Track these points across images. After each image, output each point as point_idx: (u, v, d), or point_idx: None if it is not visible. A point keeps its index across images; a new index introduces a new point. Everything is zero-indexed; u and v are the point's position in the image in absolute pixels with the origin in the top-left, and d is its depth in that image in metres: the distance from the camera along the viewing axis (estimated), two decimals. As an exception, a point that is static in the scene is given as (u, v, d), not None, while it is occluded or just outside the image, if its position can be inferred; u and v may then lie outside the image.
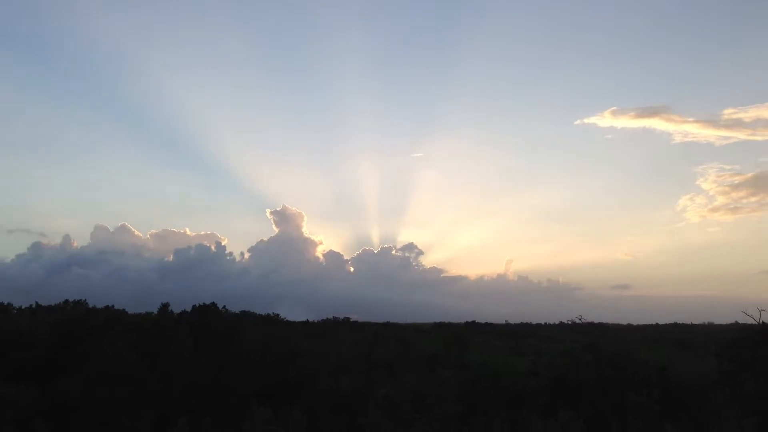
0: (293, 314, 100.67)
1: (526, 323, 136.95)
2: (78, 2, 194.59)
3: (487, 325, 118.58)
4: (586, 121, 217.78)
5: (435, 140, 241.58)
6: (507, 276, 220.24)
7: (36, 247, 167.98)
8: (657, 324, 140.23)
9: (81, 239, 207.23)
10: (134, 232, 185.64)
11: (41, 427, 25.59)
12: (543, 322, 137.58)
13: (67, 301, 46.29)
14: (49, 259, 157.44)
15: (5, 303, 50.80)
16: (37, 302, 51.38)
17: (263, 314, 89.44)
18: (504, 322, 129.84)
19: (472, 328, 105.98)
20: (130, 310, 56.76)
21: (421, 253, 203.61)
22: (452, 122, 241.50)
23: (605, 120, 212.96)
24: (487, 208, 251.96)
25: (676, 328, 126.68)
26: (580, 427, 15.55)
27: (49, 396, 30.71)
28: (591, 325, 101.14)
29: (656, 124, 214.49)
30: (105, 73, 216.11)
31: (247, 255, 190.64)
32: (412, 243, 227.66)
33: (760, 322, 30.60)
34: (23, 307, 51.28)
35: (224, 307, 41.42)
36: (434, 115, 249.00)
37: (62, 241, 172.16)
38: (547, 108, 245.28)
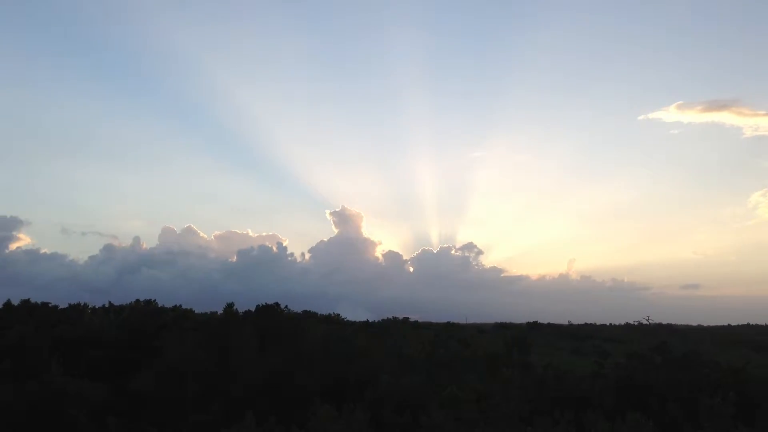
0: (353, 314, 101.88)
1: (590, 324, 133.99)
2: (150, 18, 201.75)
3: (550, 325, 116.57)
4: (650, 116, 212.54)
5: (494, 138, 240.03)
6: (569, 275, 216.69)
7: (108, 248, 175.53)
8: (729, 325, 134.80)
9: (150, 241, 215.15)
10: (199, 233, 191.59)
11: (114, 422, 26.63)
12: (608, 323, 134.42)
13: (138, 300, 48.03)
14: (121, 260, 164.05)
15: (81, 303, 53.04)
16: (110, 302, 53.51)
17: (324, 314, 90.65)
18: (567, 322, 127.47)
19: (534, 328, 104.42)
20: (197, 309, 58.54)
21: (480, 252, 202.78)
22: (511, 120, 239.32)
23: (671, 114, 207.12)
24: (548, 206, 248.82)
25: (749, 329, 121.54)
26: (650, 430, 15.11)
27: (121, 392, 31.92)
28: (659, 325, 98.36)
29: (725, 117, 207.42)
30: (172, 82, 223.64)
31: (307, 255, 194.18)
32: (471, 242, 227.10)
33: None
34: (96, 306, 53.45)
35: (286, 306, 42.06)
36: (493, 114, 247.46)
37: (132, 242, 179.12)
38: (609, 103, 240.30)
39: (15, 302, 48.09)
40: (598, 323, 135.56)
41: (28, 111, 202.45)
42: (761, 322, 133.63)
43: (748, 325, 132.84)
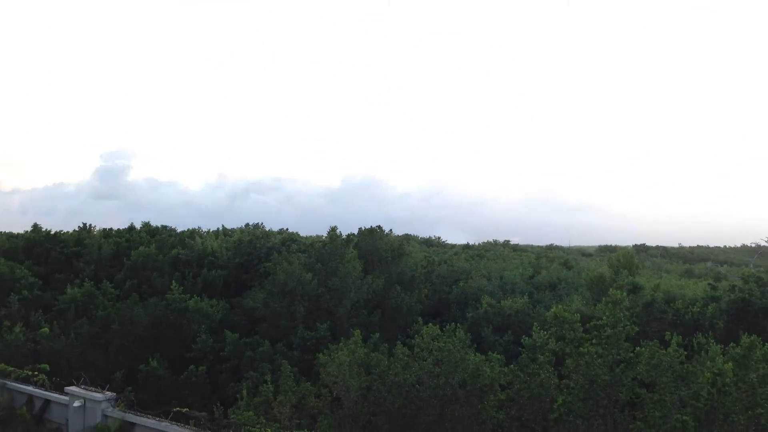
0: (454, 237, 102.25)
1: (702, 246, 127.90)
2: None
3: (659, 247, 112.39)
4: None
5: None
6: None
7: (221, 175, 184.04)
8: None
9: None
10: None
11: (230, 335, 28.57)
12: (722, 245, 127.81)
13: (247, 224, 50.42)
14: (231, 186, 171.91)
15: (196, 227, 56.27)
16: (223, 225, 56.47)
17: (425, 237, 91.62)
18: (677, 245, 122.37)
19: (642, 250, 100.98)
20: (302, 233, 60.62)
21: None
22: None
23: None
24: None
25: None
26: (765, 353, 14.46)
27: (237, 309, 34.01)
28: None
29: None
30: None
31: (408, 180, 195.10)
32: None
33: None
34: (210, 230, 56.56)
35: (390, 230, 42.57)
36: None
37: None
38: None
39: (137, 225, 51.65)
40: (710, 245, 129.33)
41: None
42: None
43: None
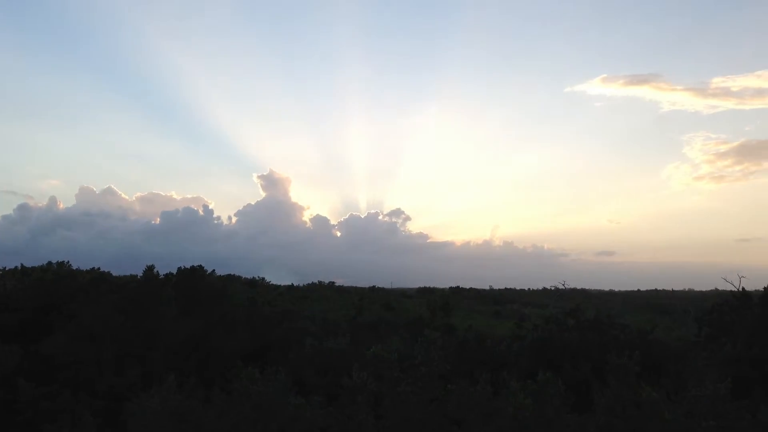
0: (279, 278, 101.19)
1: (510, 289, 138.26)
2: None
3: (472, 290, 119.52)
4: (575, 88, 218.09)
5: (424, 108, 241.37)
6: (492, 242, 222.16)
7: (22, 208, 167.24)
8: (639, 290, 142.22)
9: (67, 201, 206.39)
10: (120, 194, 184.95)
11: (24, 385, 25.65)
12: (527, 288, 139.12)
13: (49, 262, 46.01)
14: (36, 220, 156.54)
15: (-11, 264, 50.30)
16: (22, 264, 50.99)
17: (249, 278, 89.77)
18: (488, 287, 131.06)
19: (457, 292, 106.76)
20: (116, 273, 56.67)
21: (408, 218, 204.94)
22: (441, 90, 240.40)
23: (595, 87, 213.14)
24: (475, 174, 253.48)
25: (657, 294, 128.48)
26: (558, 388, 15.82)
27: (33, 355, 30.68)
28: (574, 291, 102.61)
29: (645, 92, 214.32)
30: (95, 36, 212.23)
31: (234, 219, 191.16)
32: (399, 209, 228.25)
33: (740, 288, 31.11)
34: (7, 268, 50.90)
35: (213, 271, 41.32)
36: (424, 84, 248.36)
37: (48, 202, 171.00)
38: (537, 75, 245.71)
39: None
40: (517, 288, 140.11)
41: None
42: (668, 287, 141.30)
43: (656, 290, 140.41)
